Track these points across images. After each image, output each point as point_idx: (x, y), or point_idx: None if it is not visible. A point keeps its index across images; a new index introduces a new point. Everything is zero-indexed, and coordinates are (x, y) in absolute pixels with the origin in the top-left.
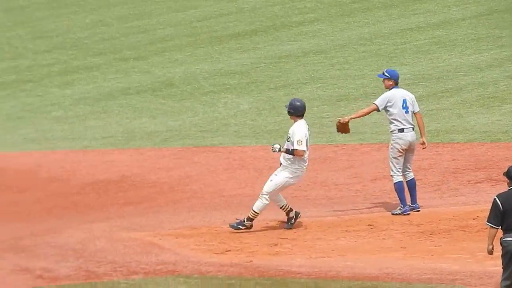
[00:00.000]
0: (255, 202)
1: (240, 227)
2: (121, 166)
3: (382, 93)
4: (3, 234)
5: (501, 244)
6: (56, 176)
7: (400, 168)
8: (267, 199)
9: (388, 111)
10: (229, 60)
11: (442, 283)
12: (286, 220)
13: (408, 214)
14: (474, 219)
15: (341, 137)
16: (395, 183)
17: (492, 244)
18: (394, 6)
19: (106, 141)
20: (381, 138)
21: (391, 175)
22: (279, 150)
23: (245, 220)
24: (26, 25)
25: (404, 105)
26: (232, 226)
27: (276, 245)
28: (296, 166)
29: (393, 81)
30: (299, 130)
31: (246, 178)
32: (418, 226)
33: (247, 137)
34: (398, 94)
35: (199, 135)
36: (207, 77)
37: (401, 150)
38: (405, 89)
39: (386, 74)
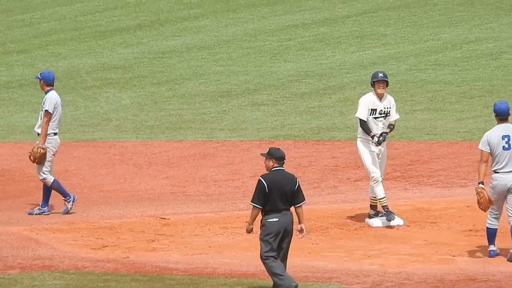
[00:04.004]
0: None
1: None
2: (0, 159)
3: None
4: None
5: (264, 225)
6: None
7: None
8: (373, 179)
9: (55, 114)
10: (112, 54)
11: (318, 282)
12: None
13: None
14: (352, 217)
15: (222, 133)
16: (52, 183)
17: (252, 224)
18: (279, 2)
19: None
20: (262, 135)
21: (44, 178)
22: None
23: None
24: None
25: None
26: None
27: (153, 241)
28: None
29: (48, 84)
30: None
31: (125, 173)
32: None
33: (127, 132)
34: (56, 96)
35: (79, 130)
36: (90, 72)
37: (53, 154)
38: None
39: (39, 77)
